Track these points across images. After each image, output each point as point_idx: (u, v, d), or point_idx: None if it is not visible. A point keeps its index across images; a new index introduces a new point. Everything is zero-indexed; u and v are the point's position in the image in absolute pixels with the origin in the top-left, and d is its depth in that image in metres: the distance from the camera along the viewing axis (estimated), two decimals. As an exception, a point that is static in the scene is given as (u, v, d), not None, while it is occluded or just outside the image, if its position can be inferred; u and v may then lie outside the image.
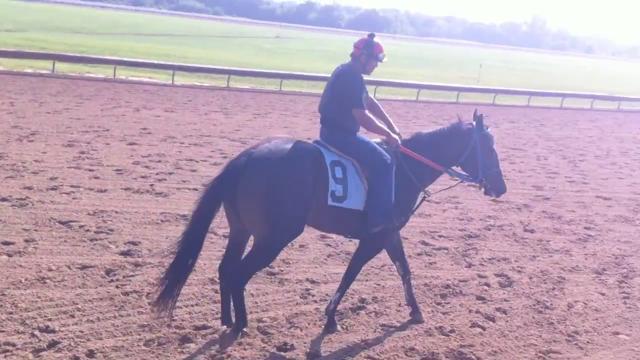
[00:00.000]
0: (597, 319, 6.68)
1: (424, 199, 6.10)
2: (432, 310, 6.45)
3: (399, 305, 6.45)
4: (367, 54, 5.70)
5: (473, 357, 5.54)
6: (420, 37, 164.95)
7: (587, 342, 6.14)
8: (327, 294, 6.45)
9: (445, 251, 8.32)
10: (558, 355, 5.80)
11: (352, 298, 6.47)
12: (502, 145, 18.06)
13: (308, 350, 5.35)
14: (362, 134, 5.82)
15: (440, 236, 8.91)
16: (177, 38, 57.49)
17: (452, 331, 5.99)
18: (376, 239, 5.81)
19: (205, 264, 6.90)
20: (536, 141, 19.98)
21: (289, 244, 7.78)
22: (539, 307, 6.80)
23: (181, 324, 5.52)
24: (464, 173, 6.15)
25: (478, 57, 76.30)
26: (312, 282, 6.79)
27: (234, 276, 5.26)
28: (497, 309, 6.63)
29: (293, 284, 6.70)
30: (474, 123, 5.98)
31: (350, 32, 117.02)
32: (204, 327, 5.51)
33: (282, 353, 5.25)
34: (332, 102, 5.67)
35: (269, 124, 18.15)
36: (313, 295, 6.45)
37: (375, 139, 5.84)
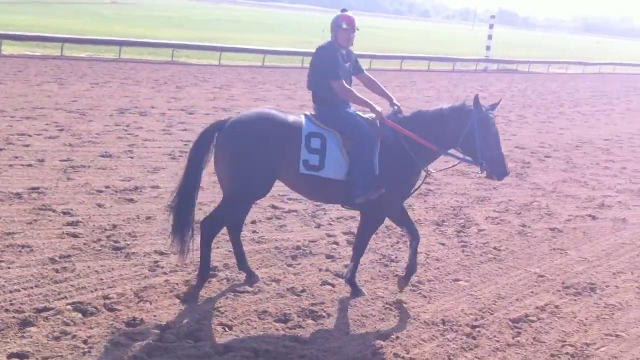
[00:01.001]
0: (438, 268, 7.06)
1: (425, 177, 6.25)
2: (284, 272, 6.51)
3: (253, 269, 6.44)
4: (334, 26, 5.98)
5: (324, 314, 5.68)
6: (261, 3, 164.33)
7: (430, 290, 6.47)
8: (176, 265, 6.31)
9: (295, 213, 8.41)
10: (404, 305, 6.07)
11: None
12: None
13: (158, 323, 5.22)
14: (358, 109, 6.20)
15: (289, 199, 8.98)
16: (4, 5, 53.34)
17: (303, 291, 6.09)
18: (374, 211, 6.02)
19: (43, 244, 6.51)
20: (377, 101, 20.54)
21: (137, 217, 7.56)
22: (384, 261, 7.07)
23: (20, 307, 5.17)
24: (461, 155, 6.10)
25: (320, 21, 77.22)
26: (161, 254, 6.61)
27: (201, 229, 5.84)
28: (346, 266, 6.79)
29: (140, 257, 6.50)
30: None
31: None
32: (45, 309, 5.20)
33: (131, 328, 5.09)
34: (313, 78, 6.04)
35: (108, 93, 17.35)
36: (162, 267, 6.29)
37: (369, 113, 6.12)
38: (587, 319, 6.15)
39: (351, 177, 5.78)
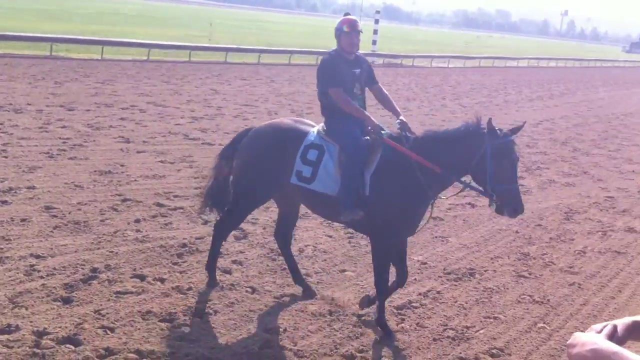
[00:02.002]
0: (325, 260, 7.14)
1: (432, 203, 5.63)
2: (169, 271, 6.39)
3: (134, 270, 6.28)
4: (337, 32, 5.76)
5: (211, 311, 5.62)
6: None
7: (318, 282, 6.54)
8: (54, 268, 6.05)
9: (181, 210, 8.27)
10: (292, 298, 6.10)
11: (82, 269, 6.15)
12: (235, 102, 18.41)
13: (35, 328, 4.98)
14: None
15: (175, 196, 8.82)
16: None
17: (189, 289, 6.00)
18: (379, 237, 5.56)
19: None
20: (267, 97, 20.59)
21: (11, 219, 7.19)
22: (272, 255, 7.08)
23: None
24: (471, 183, 5.45)
25: (207, 15, 76.25)
26: (37, 257, 6.31)
27: (213, 230, 6.25)
28: (233, 262, 6.77)
29: (15, 261, 6.18)
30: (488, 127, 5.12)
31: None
32: None
33: (6, 336, 4.83)
34: (318, 89, 5.83)
35: (-19, 90, 16.37)
36: (39, 271, 6.00)
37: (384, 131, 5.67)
38: (467, 303, 6.41)
39: (339, 192, 5.46)
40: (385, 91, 6.06)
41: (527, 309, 6.40)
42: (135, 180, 9.39)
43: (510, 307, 6.41)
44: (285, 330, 5.45)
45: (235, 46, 35.18)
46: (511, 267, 7.55)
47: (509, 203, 5.05)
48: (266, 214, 8.44)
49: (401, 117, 5.71)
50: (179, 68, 26.69)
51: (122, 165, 10.09)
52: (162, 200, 8.56)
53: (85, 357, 4.66)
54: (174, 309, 5.57)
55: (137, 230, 7.35)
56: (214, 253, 6.22)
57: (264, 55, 34.71)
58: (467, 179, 5.50)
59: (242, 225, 7.87)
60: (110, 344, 4.88)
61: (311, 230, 8.06)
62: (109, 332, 5.10)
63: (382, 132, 5.58)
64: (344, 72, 5.62)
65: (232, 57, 33.29)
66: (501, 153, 5.01)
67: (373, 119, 5.59)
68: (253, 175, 5.85)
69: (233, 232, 7.60)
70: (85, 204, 7.82)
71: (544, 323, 6.07)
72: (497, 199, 5.07)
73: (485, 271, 7.33)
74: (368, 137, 5.55)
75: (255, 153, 5.84)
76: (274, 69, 31.37)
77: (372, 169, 5.39)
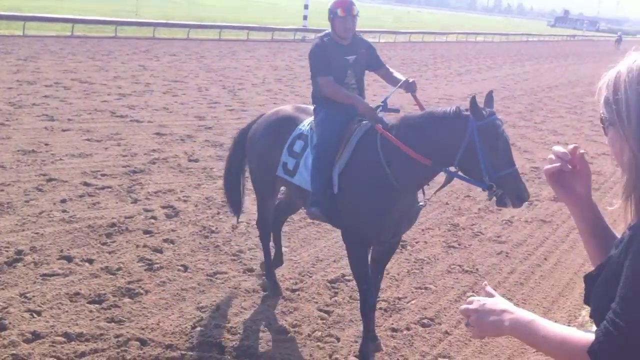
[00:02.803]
0: (258, 236, 7.07)
1: (418, 211, 4.94)
2: (98, 251, 6.23)
3: (61, 251, 6.10)
4: (330, 15, 5.16)
5: (142, 291, 5.52)
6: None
7: (251, 258, 6.50)
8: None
9: (109, 189, 8.06)
10: (225, 275, 6.05)
11: (7, 251, 5.93)
12: (164, 79, 18.02)
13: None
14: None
15: (103, 175, 8.60)
16: None
17: (119, 269, 5.87)
18: (349, 236, 4.90)
19: None
20: (197, 73, 20.25)
21: None
22: (205, 233, 6.99)
23: None
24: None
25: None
26: (-43, 240, 6.06)
27: (258, 230, 6.13)
28: (165, 240, 6.66)
29: None
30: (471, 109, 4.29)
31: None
32: None
33: None
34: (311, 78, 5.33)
35: None
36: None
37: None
38: (399, 274, 6.49)
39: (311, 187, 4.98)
40: (393, 72, 5.39)
41: (457, 278, 6.53)
42: (61, 159, 9.10)
43: (440, 277, 6.53)
44: (218, 307, 5.41)
45: (163, 21, 34.43)
46: (441, 238, 7.69)
47: (511, 190, 4.23)
48: (198, 191, 8.33)
49: (407, 78, 5.14)
50: (105, 44, 25.95)
51: (46, 144, 9.75)
52: (89, 180, 8.32)
53: (11, 342, 4.51)
54: (103, 290, 5.44)
55: (64, 211, 7.13)
56: (267, 255, 5.94)
57: (193, 30, 34.12)
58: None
59: (173, 203, 7.78)
60: (37, 328, 4.73)
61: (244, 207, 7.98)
62: (35, 315, 4.94)
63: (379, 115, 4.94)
64: (334, 60, 5.08)
65: (160, 33, 32.59)
66: (491, 134, 4.22)
67: (365, 102, 5.00)
68: (256, 166, 5.66)
69: (163, 211, 7.49)
70: (9, 184, 7.53)
71: (473, 292, 6.21)
72: (498, 188, 4.23)
73: (416, 242, 7.44)
74: (357, 125, 4.93)
75: (254, 143, 5.58)
76: (203, 44, 30.85)
77: (342, 164, 4.79)
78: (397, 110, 5.45)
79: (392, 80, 5.33)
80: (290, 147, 5.22)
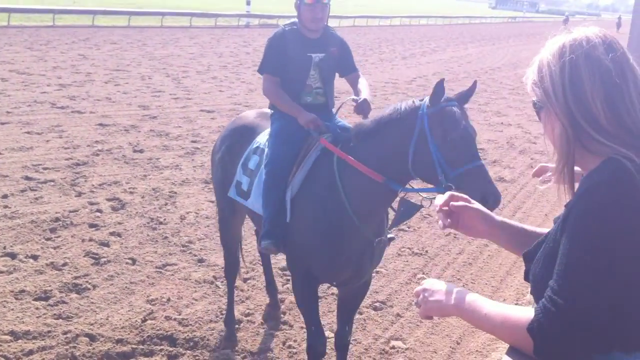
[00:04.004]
0: (208, 226, 7.02)
1: (382, 245, 3.97)
2: (42, 247, 6.07)
3: (4, 248, 5.93)
4: (296, 1, 4.24)
5: (89, 286, 5.41)
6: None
7: (201, 249, 6.44)
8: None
9: (52, 183, 7.86)
10: (175, 267, 5.98)
11: (-55, 251, 5.74)
12: (105, 68, 17.64)
13: None
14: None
15: (45, 168, 8.37)
16: None
17: (65, 264, 5.73)
18: (294, 272, 4.10)
19: None
20: (140, 61, 19.88)
21: None
22: (152, 224, 6.88)
23: None
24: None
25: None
26: None
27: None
28: (112, 233, 6.53)
29: None
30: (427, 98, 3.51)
31: None
32: None
33: None
34: None
35: None
36: None
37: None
38: (349, 259, 6.52)
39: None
40: (363, 81, 4.48)
41: (407, 261, 6.60)
42: (0, 153, 8.82)
43: (391, 261, 6.58)
44: (169, 300, 5.34)
45: (102, 8, 33.71)
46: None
47: (475, 189, 3.17)
48: (144, 182, 8.20)
49: (362, 96, 4.19)
50: (43, 33, 25.24)
51: (-16, 139, 9.45)
52: (31, 174, 8.09)
53: (-47, 345, 4.37)
54: (49, 286, 5.31)
55: (5, 206, 6.92)
56: (230, 296, 5.10)
57: (134, 17, 33.48)
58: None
59: (119, 195, 7.64)
60: (-20, 328, 4.60)
61: (192, 196, 7.91)
62: (-22, 315, 4.80)
63: (326, 130, 4.02)
64: (294, 56, 4.22)
65: (100, 20, 31.88)
66: (445, 122, 3.37)
67: (306, 113, 4.05)
68: (215, 183, 4.89)
69: (109, 204, 7.35)
70: None
71: (423, 273, 6.29)
72: (458, 190, 3.05)
73: (366, 227, 7.47)
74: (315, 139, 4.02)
75: (213, 155, 4.82)
76: (145, 31, 30.32)
77: (295, 187, 3.92)
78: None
79: (355, 92, 4.40)
80: (245, 164, 4.34)
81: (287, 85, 4.25)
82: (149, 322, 4.96)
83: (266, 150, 4.18)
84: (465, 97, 3.53)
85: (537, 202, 8.89)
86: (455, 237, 7.36)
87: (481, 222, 2.00)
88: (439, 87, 3.41)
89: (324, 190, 3.78)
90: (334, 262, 3.81)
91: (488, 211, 2.04)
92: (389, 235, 4.08)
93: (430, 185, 3.53)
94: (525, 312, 1.56)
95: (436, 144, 3.36)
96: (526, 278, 1.77)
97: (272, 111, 4.34)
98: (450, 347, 5.06)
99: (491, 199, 3.20)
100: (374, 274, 6.20)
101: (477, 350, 5.04)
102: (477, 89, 3.49)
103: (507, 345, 1.65)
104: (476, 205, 2.03)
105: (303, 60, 4.23)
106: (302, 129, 4.05)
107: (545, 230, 1.85)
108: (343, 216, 3.69)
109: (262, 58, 4.35)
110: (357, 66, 4.61)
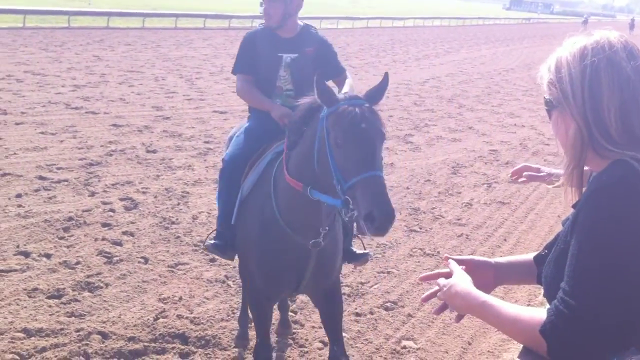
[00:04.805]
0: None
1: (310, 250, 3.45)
2: (55, 246, 6.11)
3: (17, 246, 5.97)
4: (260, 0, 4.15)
5: (102, 284, 5.44)
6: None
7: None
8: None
9: (66, 183, 7.91)
10: (187, 266, 6.00)
11: (-40, 249, 5.79)
12: (119, 69, 17.73)
13: None
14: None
15: (59, 168, 8.43)
16: None
17: (77, 263, 5.77)
18: (240, 270, 4.01)
19: None
20: (154, 62, 19.97)
21: None
22: (165, 224, 6.91)
23: None
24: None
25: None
26: None
27: None
28: (124, 233, 6.57)
29: None
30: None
31: None
32: None
33: None
34: None
35: None
36: None
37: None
38: (361, 260, 6.52)
39: None
40: (349, 81, 4.25)
41: (419, 261, 6.59)
42: (15, 153, 8.90)
43: (402, 261, 6.58)
44: (180, 298, 5.36)
45: (117, 10, 33.90)
46: (403, 223, 7.73)
47: (363, 204, 2.79)
48: (157, 182, 8.23)
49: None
50: (58, 34, 25.41)
51: (-1, 139, 9.54)
52: (45, 173, 8.15)
53: (-33, 342, 4.42)
54: (62, 284, 5.35)
55: (19, 206, 6.98)
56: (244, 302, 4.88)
57: (148, 19, 33.65)
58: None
59: (132, 195, 7.68)
60: (-6, 326, 4.64)
61: (205, 196, 7.93)
62: (-8, 313, 4.84)
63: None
64: (263, 55, 4.11)
65: (115, 22, 32.05)
66: (339, 125, 2.95)
67: (279, 106, 3.94)
68: None
69: (122, 203, 7.39)
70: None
71: (435, 274, 6.27)
72: (353, 204, 2.85)
73: (378, 227, 7.46)
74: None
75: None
76: (159, 33, 30.45)
77: (245, 190, 3.75)
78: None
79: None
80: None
81: (257, 86, 4.16)
82: (160, 320, 4.98)
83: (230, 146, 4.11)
84: (375, 94, 3.15)
85: (549, 204, 8.85)
86: (467, 238, 7.35)
87: (486, 279, 2.05)
88: (320, 84, 3.03)
89: (263, 197, 3.54)
90: (271, 272, 3.55)
91: (480, 258, 2.10)
92: (363, 251, 4.05)
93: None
94: (536, 313, 1.57)
95: (331, 151, 2.98)
96: (538, 281, 1.77)
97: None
98: (462, 347, 5.05)
99: (378, 216, 2.71)
100: (385, 274, 6.20)
101: (488, 351, 5.03)
102: (390, 82, 3.23)
103: (519, 346, 1.65)
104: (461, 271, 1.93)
105: (272, 60, 4.09)
106: (274, 131, 3.85)
107: None
108: (274, 225, 3.42)
109: (235, 59, 4.27)
110: (343, 66, 4.40)
